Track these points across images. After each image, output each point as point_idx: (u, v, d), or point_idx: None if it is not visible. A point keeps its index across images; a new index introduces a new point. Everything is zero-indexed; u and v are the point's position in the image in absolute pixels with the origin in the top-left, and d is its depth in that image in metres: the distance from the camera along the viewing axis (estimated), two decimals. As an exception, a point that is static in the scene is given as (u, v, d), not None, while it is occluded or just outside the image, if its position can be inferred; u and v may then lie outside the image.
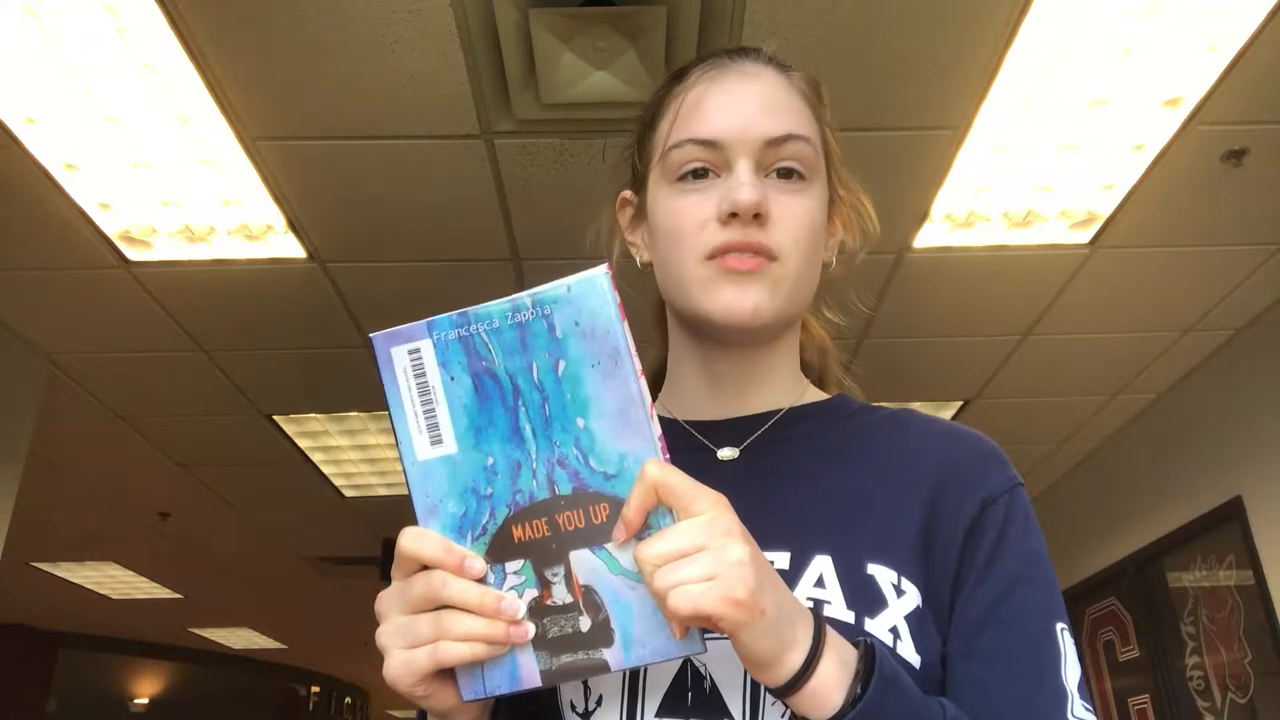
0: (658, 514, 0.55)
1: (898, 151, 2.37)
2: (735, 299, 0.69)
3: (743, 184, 0.68)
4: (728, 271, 0.69)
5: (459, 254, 2.77)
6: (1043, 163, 2.42)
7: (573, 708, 0.67)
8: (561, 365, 0.56)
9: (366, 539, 5.46)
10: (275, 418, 3.82)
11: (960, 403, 3.83)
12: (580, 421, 0.56)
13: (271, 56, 2.03)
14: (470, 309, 0.57)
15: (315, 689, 10.46)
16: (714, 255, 0.69)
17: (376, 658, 0.57)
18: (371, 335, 0.58)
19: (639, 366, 0.56)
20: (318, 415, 3.83)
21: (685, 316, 0.74)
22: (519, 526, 0.56)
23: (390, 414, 0.58)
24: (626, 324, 0.56)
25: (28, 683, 7.53)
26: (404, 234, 2.67)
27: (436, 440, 0.57)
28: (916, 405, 4.04)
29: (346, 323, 3.11)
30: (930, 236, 2.73)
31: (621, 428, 0.55)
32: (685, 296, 0.71)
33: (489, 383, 0.57)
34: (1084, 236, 2.73)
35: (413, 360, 0.58)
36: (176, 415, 3.76)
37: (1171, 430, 3.78)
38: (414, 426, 0.57)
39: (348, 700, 11.43)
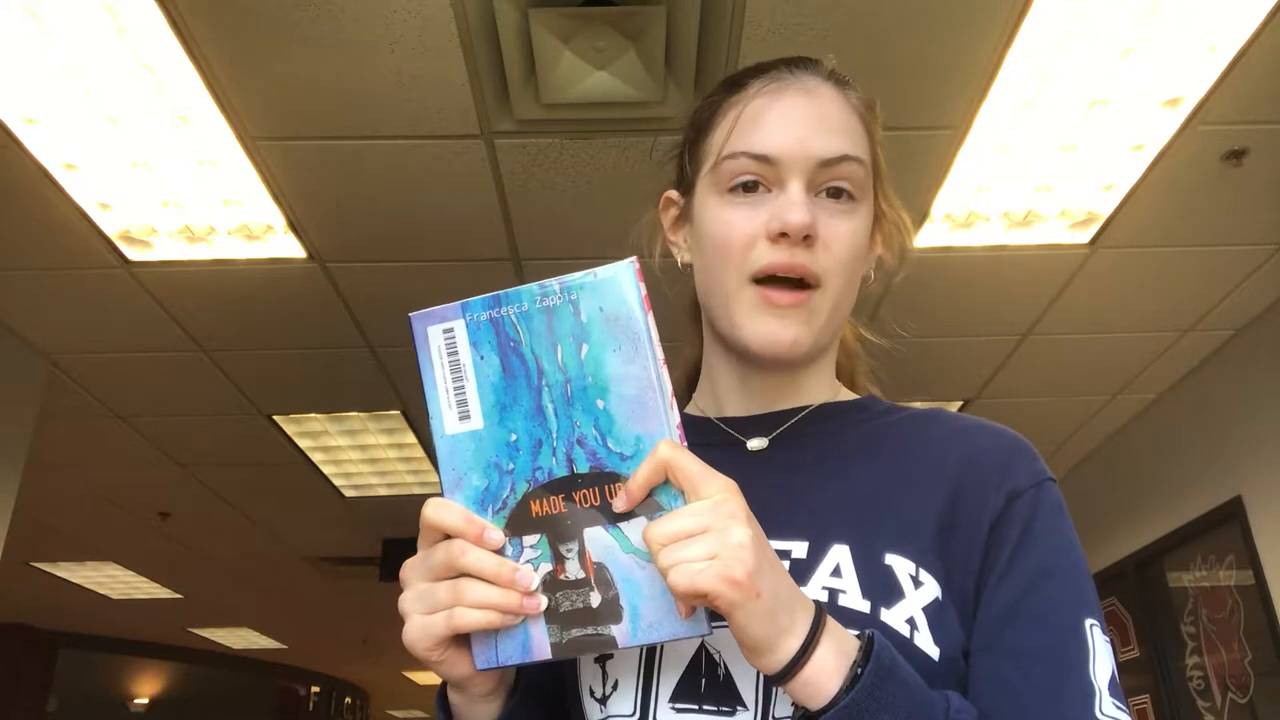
0: (670, 496, 0.57)
1: (898, 151, 2.35)
2: (775, 330, 0.69)
3: (794, 204, 0.69)
4: (770, 305, 0.69)
5: (459, 254, 2.77)
6: (1043, 163, 2.42)
7: (591, 693, 0.68)
8: (584, 349, 0.58)
9: (366, 539, 5.46)
10: (275, 418, 3.82)
11: (960, 403, 3.83)
12: (600, 403, 0.58)
13: (271, 56, 2.03)
14: (502, 292, 0.60)
15: (315, 689, 10.45)
16: (759, 277, 0.70)
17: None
18: (410, 315, 0.61)
19: (661, 356, 0.58)
20: (318, 415, 3.83)
21: (722, 336, 0.75)
22: (537, 502, 0.59)
23: (423, 390, 0.60)
24: (651, 315, 0.58)
25: (28, 683, 7.53)
26: (404, 234, 2.67)
27: (465, 416, 0.60)
28: (916, 405, 4.03)
29: (346, 323, 3.11)
30: (930, 236, 2.73)
31: (639, 412, 0.57)
32: (725, 316, 0.72)
33: (516, 363, 0.59)
34: (1084, 236, 2.73)
35: (446, 339, 0.60)
36: (176, 415, 3.76)
37: (1171, 430, 3.78)
38: (444, 402, 0.60)
39: (348, 700, 11.42)
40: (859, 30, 2.01)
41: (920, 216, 2.64)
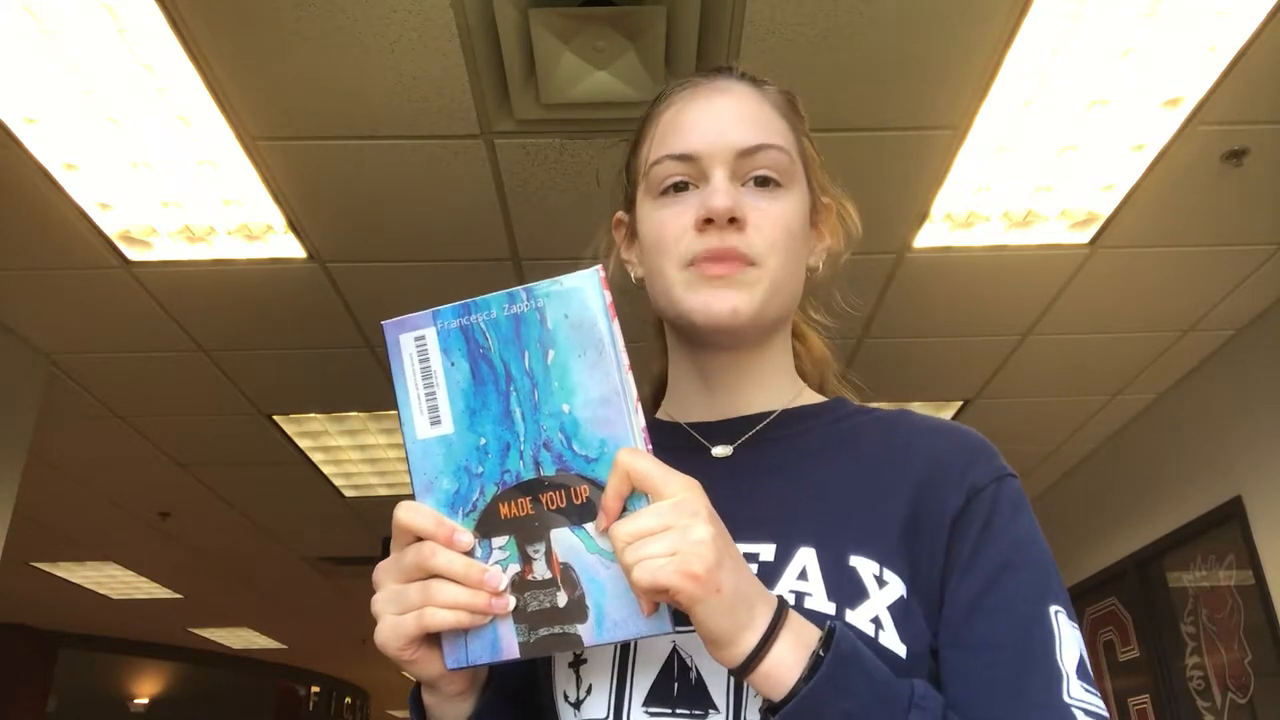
0: (634, 497, 0.58)
1: (898, 151, 2.37)
2: (713, 300, 0.71)
3: (716, 190, 0.71)
4: (706, 277, 0.71)
5: (459, 254, 2.77)
6: (1043, 163, 2.42)
7: (566, 697, 0.69)
8: (551, 354, 0.60)
9: (366, 539, 5.46)
10: (275, 418, 3.82)
11: (960, 403, 3.83)
12: (565, 407, 0.59)
13: (271, 57, 2.03)
14: (472, 300, 0.61)
15: (315, 689, 10.46)
16: (694, 262, 0.72)
17: (376, 657, 0.58)
18: (383, 323, 0.63)
19: (626, 361, 0.59)
20: (318, 415, 3.83)
21: (671, 320, 0.77)
22: (506, 504, 0.60)
23: (395, 396, 0.62)
24: (616, 322, 0.60)
25: (28, 683, 7.53)
26: (404, 234, 2.67)
27: (435, 421, 0.61)
28: (916, 405, 4.03)
29: (347, 323, 3.11)
30: (930, 236, 2.73)
31: (603, 415, 0.59)
32: (669, 300, 0.74)
33: (485, 369, 0.61)
34: (1084, 236, 2.73)
35: (418, 346, 0.62)
36: (176, 415, 3.76)
37: (1171, 430, 3.78)
38: (416, 408, 0.61)
39: (348, 700, 11.43)
40: (859, 30, 2.01)
41: (920, 216, 2.64)
